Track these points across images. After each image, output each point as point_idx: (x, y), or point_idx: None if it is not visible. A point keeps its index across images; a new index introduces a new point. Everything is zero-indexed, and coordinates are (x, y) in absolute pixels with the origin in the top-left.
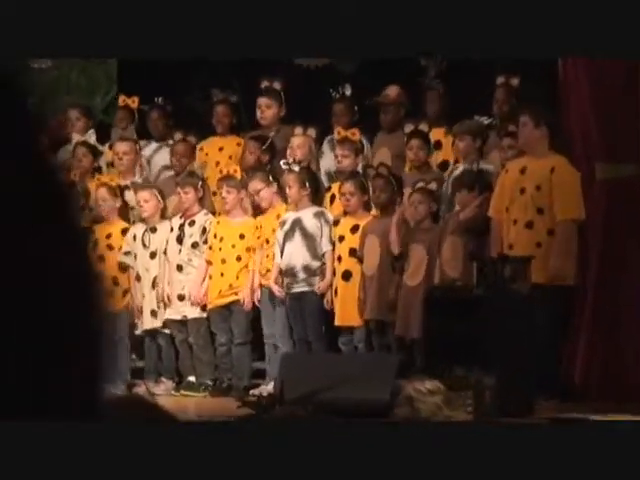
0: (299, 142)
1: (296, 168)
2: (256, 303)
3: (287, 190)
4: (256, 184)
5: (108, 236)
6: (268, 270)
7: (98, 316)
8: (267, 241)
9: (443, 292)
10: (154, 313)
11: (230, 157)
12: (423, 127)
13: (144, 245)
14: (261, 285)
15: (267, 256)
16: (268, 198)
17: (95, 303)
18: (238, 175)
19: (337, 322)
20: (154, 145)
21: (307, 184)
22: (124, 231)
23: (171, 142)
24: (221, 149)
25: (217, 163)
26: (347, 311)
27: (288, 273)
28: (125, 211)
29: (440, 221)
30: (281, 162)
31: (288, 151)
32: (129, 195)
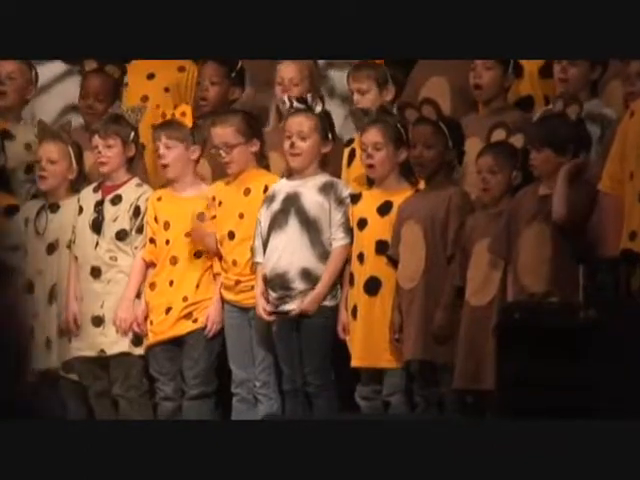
0: (292, 72)
1: (319, 108)
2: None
3: (296, 142)
4: (227, 134)
5: None
6: (238, 282)
7: None
8: (231, 234)
9: (527, 314)
10: (49, 344)
11: (167, 89)
12: None
13: (37, 232)
14: (224, 301)
15: (234, 262)
16: (241, 159)
17: None
18: (188, 120)
19: (355, 362)
20: (58, 66)
21: (330, 137)
22: (10, 211)
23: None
24: (151, 76)
25: (144, 98)
26: (372, 345)
27: (275, 282)
28: (8, 177)
29: (514, 198)
30: (284, 97)
31: (277, 88)
32: (13, 147)
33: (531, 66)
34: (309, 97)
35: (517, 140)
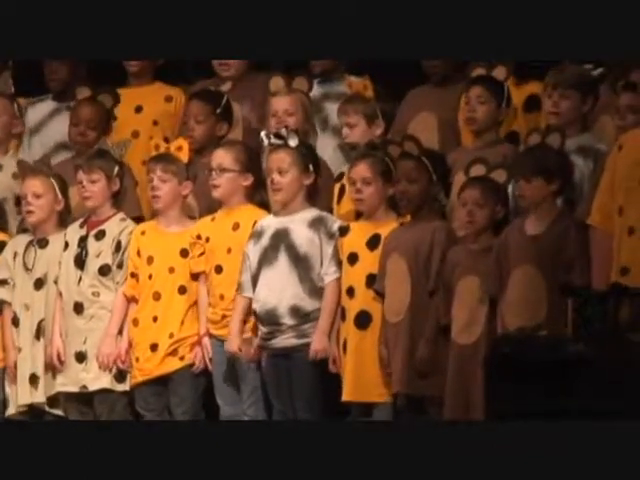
0: (287, 103)
1: (293, 142)
2: (207, 364)
3: (275, 178)
4: (225, 157)
5: None
6: (224, 316)
7: None
8: (219, 268)
9: (517, 347)
10: (35, 380)
11: (155, 122)
12: (499, 73)
13: (26, 268)
14: (211, 335)
15: (221, 297)
16: (229, 186)
17: None
18: (183, 155)
19: (345, 397)
20: (48, 105)
21: (311, 168)
22: None
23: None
24: (139, 109)
25: (135, 134)
26: (363, 379)
27: (264, 318)
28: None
29: (502, 235)
30: (262, 133)
31: (272, 120)
32: (2, 178)
33: (516, 100)
34: (284, 131)
35: (498, 175)
